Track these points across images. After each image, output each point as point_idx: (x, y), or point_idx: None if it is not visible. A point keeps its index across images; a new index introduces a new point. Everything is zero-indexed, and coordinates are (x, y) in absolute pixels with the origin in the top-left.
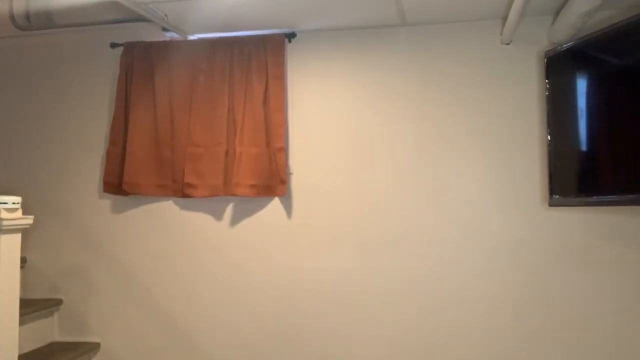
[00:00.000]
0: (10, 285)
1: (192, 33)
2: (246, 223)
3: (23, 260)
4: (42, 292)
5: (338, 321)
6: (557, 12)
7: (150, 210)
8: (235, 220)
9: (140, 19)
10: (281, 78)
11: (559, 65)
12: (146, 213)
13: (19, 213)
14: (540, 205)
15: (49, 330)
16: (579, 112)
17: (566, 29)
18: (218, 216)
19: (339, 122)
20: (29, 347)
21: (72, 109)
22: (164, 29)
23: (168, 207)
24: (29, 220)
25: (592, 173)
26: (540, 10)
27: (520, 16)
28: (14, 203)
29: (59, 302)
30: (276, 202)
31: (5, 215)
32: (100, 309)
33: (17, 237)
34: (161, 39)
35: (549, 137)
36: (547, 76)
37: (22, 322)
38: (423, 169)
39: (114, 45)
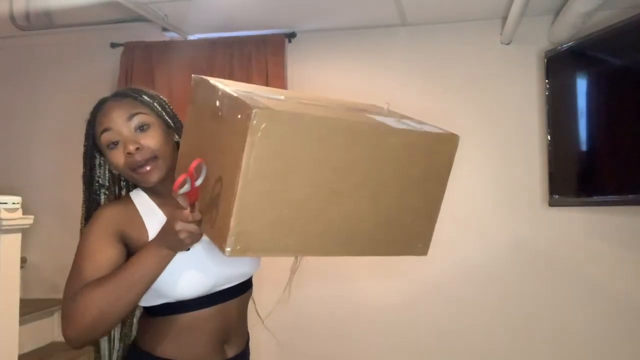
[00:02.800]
0: (10, 285)
1: (192, 33)
2: None
3: (23, 260)
4: (42, 292)
5: (337, 322)
6: (557, 12)
7: None
8: None
9: (140, 19)
10: (281, 78)
11: (559, 65)
12: None
13: (19, 213)
14: (540, 205)
15: (49, 330)
16: (579, 112)
17: (566, 29)
18: None
19: None
20: (29, 347)
21: (72, 109)
22: (164, 29)
23: None
24: (29, 220)
25: (592, 173)
26: (540, 10)
27: (520, 16)
28: (14, 203)
29: (59, 302)
30: None
31: (5, 215)
32: None
33: (17, 237)
34: (161, 39)
35: (549, 137)
36: (547, 76)
37: (22, 322)
38: None
39: (114, 45)
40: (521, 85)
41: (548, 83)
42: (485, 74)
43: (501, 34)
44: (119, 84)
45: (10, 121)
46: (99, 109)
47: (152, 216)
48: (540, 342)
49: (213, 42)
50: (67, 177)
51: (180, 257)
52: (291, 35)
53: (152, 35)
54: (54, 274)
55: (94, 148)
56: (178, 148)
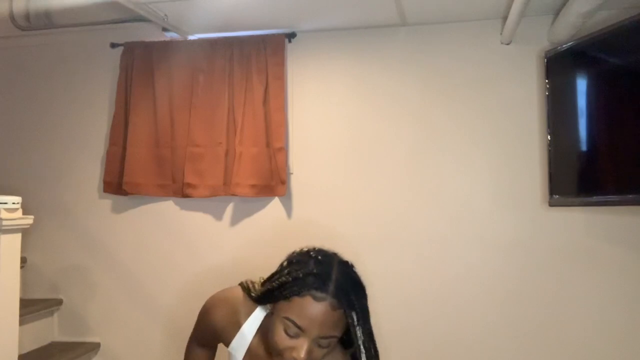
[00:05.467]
0: (10, 285)
1: (192, 33)
2: (246, 223)
3: (23, 260)
4: (42, 292)
5: None
6: (557, 12)
7: (150, 210)
8: (235, 220)
9: (140, 19)
10: (281, 78)
11: (559, 65)
12: (146, 213)
13: (19, 213)
14: (540, 205)
15: (49, 330)
16: (579, 112)
17: (566, 29)
18: (218, 216)
19: (339, 122)
20: (29, 347)
21: (72, 109)
22: (164, 29)
23: (168, 207)
24: (29, 220)
25: (592, 173)
26: (540, 10)
27: (520, 16)
28: (14, 203)
29: (59, 302)
30: (276, 202)
31: (5, 215)
32: (100, 309)
33: (17, 237)
34: (161, 39)
35: (549, 137)
36: (547, 76)
37: (22, 322)
38: (423, 169)
39: (114, 45)
40: (521, 85)
41: (548, 83)
42: (485, 74)
43: (501, 34)
44: (119, 84)
45: (10, 121)
46: (312, 298)
47: (238, 346)
48: (539, 342)
49: (213, 42)
50: (67, 177)
51: None
52: (291, 35)
53: (152, 35)
54: (54, 274)
55: (277, 296)
56: None
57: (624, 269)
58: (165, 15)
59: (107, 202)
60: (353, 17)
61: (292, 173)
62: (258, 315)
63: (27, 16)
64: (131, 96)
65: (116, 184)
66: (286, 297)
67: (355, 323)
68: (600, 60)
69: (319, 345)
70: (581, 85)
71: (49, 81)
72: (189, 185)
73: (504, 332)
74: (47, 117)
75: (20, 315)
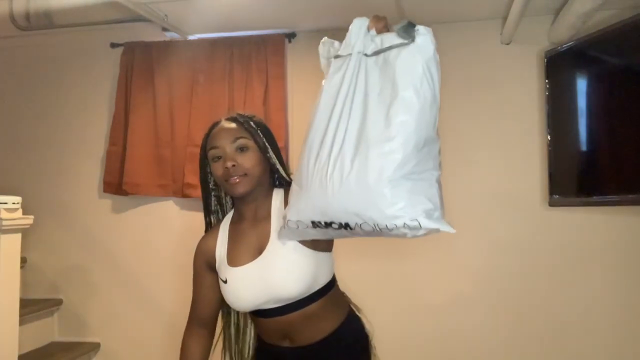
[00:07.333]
0: (10, 285)
1: (192, 33)
2: None
3: (23, 260)
4: (42, 292)
5: None
6: (557, 12)
7: (150, 210)
8: None
9: (140, 19)
10: (281, 78)
11: (559, 65)
12: (146, 213)
13: (19, 213)
14: (540, 205)
15: (49, 330)
16: (579, 112)
17: (566, 29)
18: None
19: None
20: (29, 347)
21: (72, 109)
22: (164, 29)
23: (168, 207)
24: (29, 220)
25: (592, 173)
26: (540, 10)
27: (520, 16)
28: (14, 203)
29: (59, 302)
30: None
31: (5, 215)
32: (100, 309)
33: (17, 237)
34: (161, 39)
35: (549, 137)
36: (547, 76)
37: (22, 322)
38: None
39: (114, 45)
40: (521, 85)
41: (548, 83)
42: (485, 74)
43: (501, 34)
44: (119, 84)
45: (10, 121)
46: (213, 128)
47: (220, 246)
48: (539, 342)
49: (213, 42)
50: (67, 177)
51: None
52: (291, 35)
53: (152, 35)
54: (54, 274)
55: (205, 158)
56: (271, 170)
57: (624, 269)
58: (165, 15)
59: (107, 202)
60: (353, 17)
61: (292, 173)
62: (228, 217)
63: (27, 16)
64: (131, 96)
65: (116, 184)
66: (205, 149)
67: (255, 127)
68: (600, 60)
69: (239, 150)
70: (581, 85)
71: (49, 81)
72: (189, 185)
73: (502, 330)
74: (47, 117)
75: (20, 315)
